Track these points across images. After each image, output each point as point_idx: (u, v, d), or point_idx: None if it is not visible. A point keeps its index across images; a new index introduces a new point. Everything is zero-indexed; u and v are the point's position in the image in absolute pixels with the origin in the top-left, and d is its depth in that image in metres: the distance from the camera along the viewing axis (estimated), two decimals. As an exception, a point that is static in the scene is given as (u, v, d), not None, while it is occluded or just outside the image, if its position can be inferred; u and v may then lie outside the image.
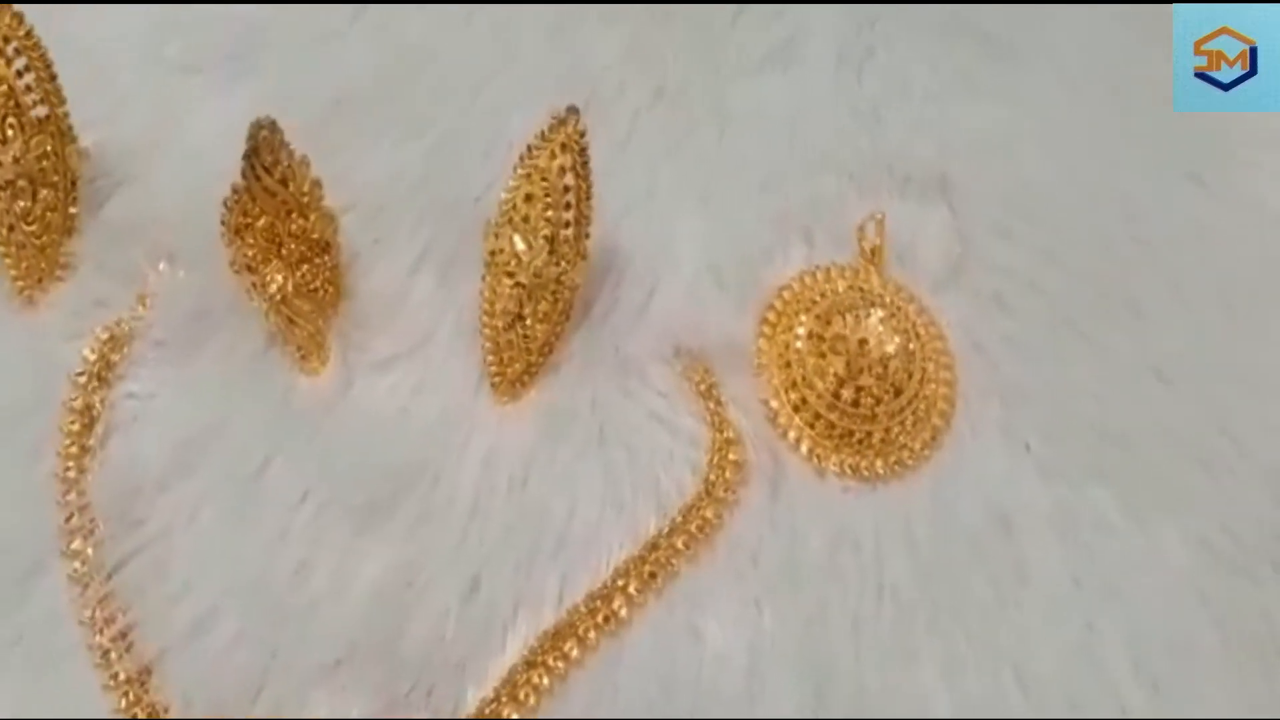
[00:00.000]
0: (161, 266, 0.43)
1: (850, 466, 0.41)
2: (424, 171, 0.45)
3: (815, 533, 0.40)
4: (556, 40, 0.50)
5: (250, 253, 0.39)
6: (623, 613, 0.38)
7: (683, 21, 0.51)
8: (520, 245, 0.39)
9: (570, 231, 0.40)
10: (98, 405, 0.41)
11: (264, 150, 0.37)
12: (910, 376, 0.41)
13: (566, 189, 0.39)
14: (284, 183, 0.38)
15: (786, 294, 0.44)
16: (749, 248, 0.45)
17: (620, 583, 0.39)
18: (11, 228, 0.41)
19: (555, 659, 0.38)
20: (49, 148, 0.41)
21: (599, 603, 0.38)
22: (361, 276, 0.43)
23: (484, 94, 0.48)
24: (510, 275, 0.40)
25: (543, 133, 0.38)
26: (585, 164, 0.39)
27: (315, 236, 0.40)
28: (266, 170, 0.37)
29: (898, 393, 0.41)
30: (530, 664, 0.38)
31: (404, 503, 0.40)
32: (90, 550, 0.39)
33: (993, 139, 0.49)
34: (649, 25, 0.51)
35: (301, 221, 0.39)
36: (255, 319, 0.42)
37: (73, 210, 0.43)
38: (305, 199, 0.39)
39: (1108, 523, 0.42)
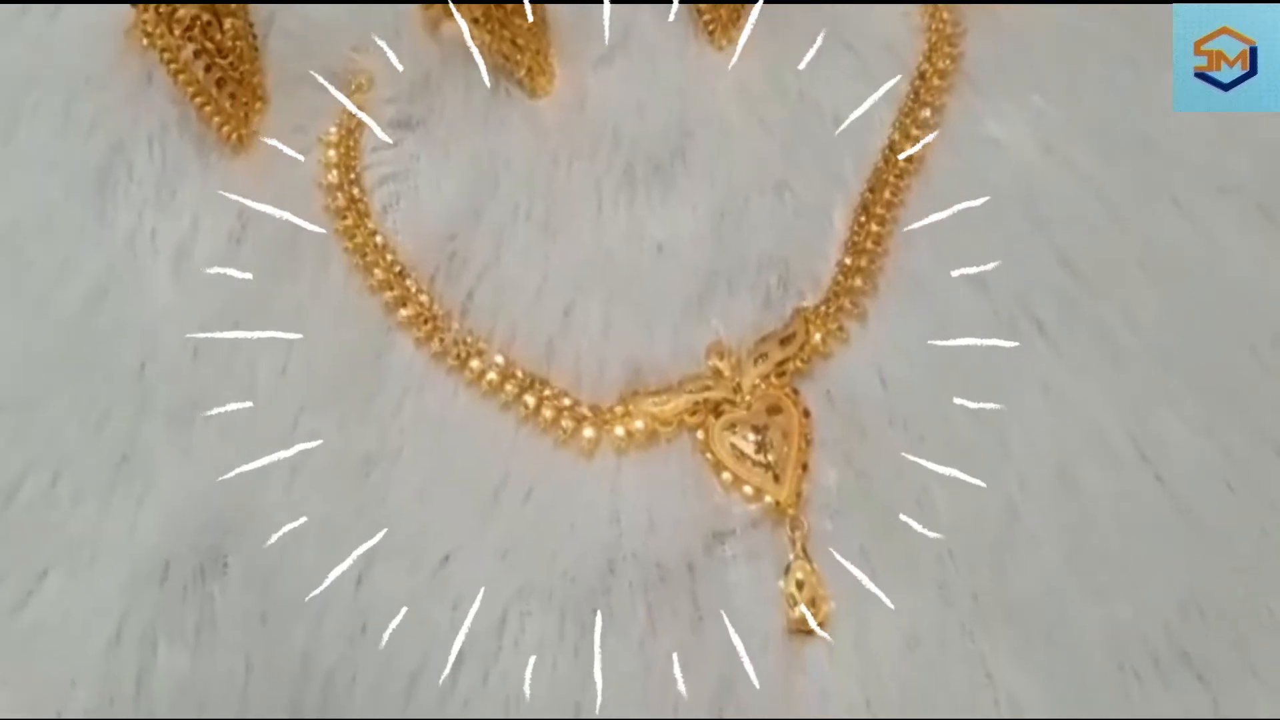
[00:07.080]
0: (380, 45, 0.43)
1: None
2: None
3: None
4: None
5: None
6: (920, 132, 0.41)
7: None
8: None
9: None
10: (359, 193, 0.41)
11: None
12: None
13: None
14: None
15: None
16: None
17: (906, 121, 0.42)
18: (209, 67, 0.40)
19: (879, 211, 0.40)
20: (219, -29, 0.41)
21: (895, 146, 0.41)
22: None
23: None
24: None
25: None
26: None
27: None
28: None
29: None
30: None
31: (692, 151, 0.41)
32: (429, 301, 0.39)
33: None
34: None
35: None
36: (471, 68, 0.43)
37: (253, 34, 0.42)
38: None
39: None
